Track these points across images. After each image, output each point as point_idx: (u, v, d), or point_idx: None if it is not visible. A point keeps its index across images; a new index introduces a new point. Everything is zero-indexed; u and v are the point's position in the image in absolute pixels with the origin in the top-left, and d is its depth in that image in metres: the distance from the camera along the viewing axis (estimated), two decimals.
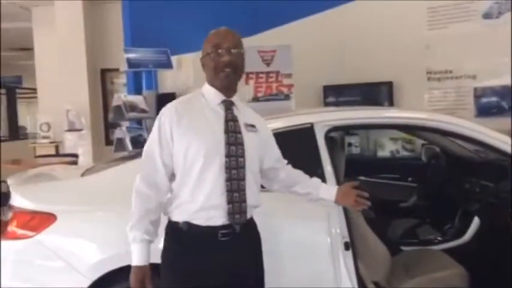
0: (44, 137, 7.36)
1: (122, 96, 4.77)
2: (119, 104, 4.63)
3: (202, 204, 1.81)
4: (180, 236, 1.86)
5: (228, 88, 1.91)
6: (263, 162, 2.01)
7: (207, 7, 4.86)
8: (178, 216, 1.86)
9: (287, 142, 2.47)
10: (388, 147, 4.97)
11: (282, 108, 4.27)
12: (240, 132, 1.87)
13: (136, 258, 1.83)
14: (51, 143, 7.30)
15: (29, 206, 2.43)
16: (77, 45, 7.00)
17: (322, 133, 2.49)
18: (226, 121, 1.87)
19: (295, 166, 2.16)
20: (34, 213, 2.40)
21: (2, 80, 12.80)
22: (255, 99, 4.49)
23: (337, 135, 3.08)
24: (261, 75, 4.52)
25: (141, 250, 1.83)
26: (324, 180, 2.28)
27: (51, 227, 2.35)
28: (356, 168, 3.95)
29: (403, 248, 3.10)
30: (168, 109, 1.90)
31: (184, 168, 1.84)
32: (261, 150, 1.97)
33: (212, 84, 1.92)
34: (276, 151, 2.10)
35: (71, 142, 6.90)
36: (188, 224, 1.84)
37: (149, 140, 1.91)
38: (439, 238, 3.28)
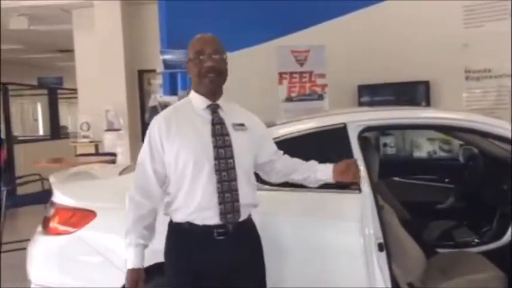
0: (84, 136, 7.52)
1: (157, 96, 4.86)
2: (155, 105, 4.71)
3: (196, 207, 1.88)
4: (180, 235, 1.93)
5: (213, 93, 1.95)
6: (258, 158, 2.04)
7: (241, 8, 4.88)
8: (177, 218, 1.94)
9: (320, 142, 2.49)
10: (425, 147, 4.86)
11: (316, 109, 4.27)
12: (227, 134, 1.92)
13: (131, 261, 1.91)
14: (91, 142, 7.46)
15: (70, 203, 2.53)
16: (115, 47, 7.16)
17: (355, 133, 2.48)
18: (213, 124, 1.92)
19: None
20: (75, 210, 2.49)
21: (44, 81, 13.26)
22: (289, 99, 4.48)
23: (371, 136, 3.05)
24: (294, 75, 4.50)
25: (136, 254, 1.91)
26: None
27: (91, 223, 2.44)
28: (391, 169, 3.91)
29: (440, 250, 3.05)
30: (157, 119, 1.98)
31: (176, 174, 1.90)
32: (253, 147, 2.00)
33: (197, 91, 1.97)
34: (271, 145, 2.12)
35: (109, 141, 7.09)
36: (188, 223, 1.91)
37: (141, 151, 1.98)
38: (476, 240, 3.21)
